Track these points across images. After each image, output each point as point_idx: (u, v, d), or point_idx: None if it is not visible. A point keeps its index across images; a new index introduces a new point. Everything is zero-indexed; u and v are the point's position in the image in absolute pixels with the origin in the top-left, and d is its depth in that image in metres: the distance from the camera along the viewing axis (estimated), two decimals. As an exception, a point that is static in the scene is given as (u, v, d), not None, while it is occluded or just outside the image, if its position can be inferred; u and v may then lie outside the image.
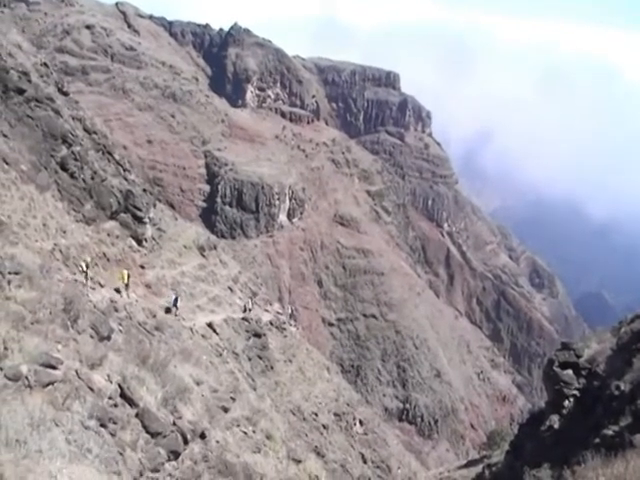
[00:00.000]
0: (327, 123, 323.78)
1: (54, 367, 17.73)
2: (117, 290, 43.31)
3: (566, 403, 27.05)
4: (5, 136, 45.10)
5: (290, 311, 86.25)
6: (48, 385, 16.80)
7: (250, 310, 64.49)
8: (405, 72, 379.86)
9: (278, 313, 76.86)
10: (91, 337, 22.52)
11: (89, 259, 41.35)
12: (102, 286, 40.43)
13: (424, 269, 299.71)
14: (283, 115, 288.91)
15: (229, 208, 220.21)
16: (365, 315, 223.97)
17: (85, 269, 39.23)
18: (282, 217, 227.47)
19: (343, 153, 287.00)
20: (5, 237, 27.65)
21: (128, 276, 44.94)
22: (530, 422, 32.70)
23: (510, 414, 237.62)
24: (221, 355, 47.76)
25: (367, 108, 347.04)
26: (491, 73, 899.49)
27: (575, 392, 26.85)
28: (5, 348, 16.99)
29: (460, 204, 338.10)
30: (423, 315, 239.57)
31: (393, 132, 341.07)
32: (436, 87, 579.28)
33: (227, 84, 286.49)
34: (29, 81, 51.01)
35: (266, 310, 72.18)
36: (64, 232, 42.82)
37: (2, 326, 18.01)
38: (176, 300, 48.96)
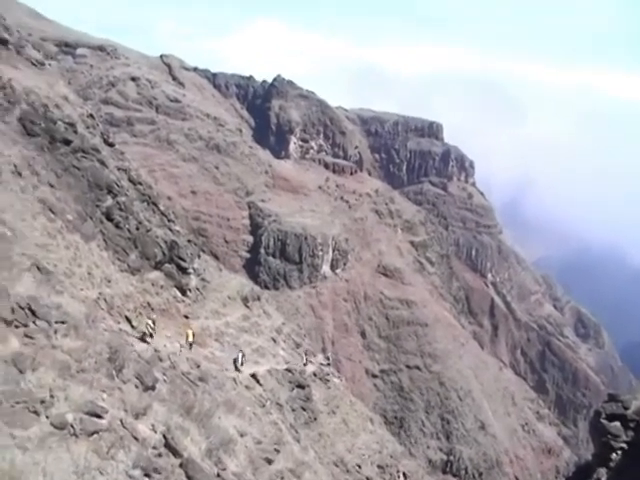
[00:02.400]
0: (370, 174, 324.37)
1: (99, 416, 17.88)
2: (181, 346, 44.19)
3: (614, 456, 26.60)
4: (52, 186, 45.73)
5: (329, 360, 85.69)
6: (93, 434, 16.92)
7: (305, 364, 65.14)
8: (446, 120, 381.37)
9: (321, 364, 76.59)
10: (136, 387, 22.64)
11: (154, 316, 42.37)
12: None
13: (468, 320, 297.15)
14: (326, 166, 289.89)
15: (272, 259, 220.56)
16: (409, 366, 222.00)
17: (152, 326, 40.42)
18: (325, 268, 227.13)
19: (386, 204, 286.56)
20: (51, 286, 27.95)
21: (193, 335, 45.87)
22: (576, 475, 32.15)
23: (556, 467, 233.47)
24: (264, 406, 47.55)
25: (410, 158, 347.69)
26: (532, 120, 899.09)
27: (623, 444, 26.42)
28: (51, 396, 17.19)
29: (504, 254, 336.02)
30: (467, 366, 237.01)
31: (436, 182, 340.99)
32: (477, 135, 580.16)
33: (271, 135, 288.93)
34: (75, 132, 51.83)
35: (310, 361, 71.94)
36: (109, 281, 43.20)
37: (49, 374, 18.21)
38: (242, 357, 49.92)
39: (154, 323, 40.96)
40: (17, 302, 22.01)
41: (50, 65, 68.79)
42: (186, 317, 51.97)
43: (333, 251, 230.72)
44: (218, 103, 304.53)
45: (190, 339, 45.50)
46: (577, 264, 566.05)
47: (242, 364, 49.89)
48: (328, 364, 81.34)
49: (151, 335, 39.89)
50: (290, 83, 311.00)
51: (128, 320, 40.25)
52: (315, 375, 68.98)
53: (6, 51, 55.95)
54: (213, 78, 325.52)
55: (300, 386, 58.77)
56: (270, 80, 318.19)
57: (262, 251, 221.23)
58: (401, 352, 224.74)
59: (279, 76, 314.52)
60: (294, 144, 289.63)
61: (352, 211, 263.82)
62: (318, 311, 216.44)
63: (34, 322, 21.81)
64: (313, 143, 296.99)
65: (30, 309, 22.30)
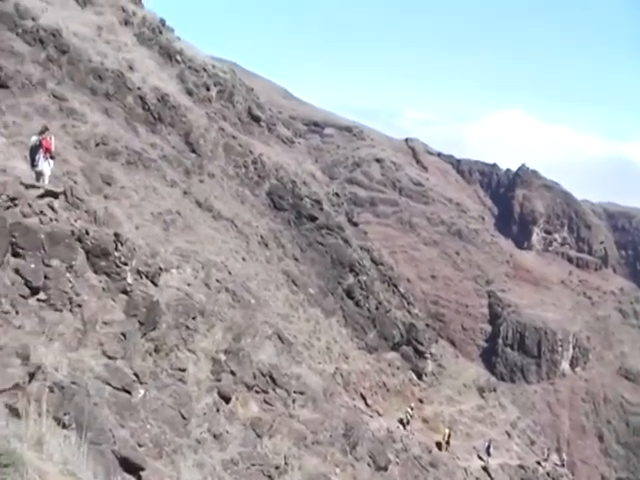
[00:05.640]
0: (615, 271, 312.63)
1: (331, 490, 17.75)
2: (438, 446, 44.51)
3: None
4: (296, 259, 47.26)
5: (563, 461, 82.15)
6: (323, 506, 16.84)
7: (546, 460, 63.61)
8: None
9: (556, 465, 73.56)
10: (368, 465, 22.57)
11: (413, 404, 43.21)
12: (380, 415, 40.63)
13: None
14: (570, 260, 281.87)
15: (510, 350, 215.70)
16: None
17: (411, 414, 41.30)
18: (564, 365, 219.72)
19: (632, 303, 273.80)
20: (291, 356, 28.43)
21: (449, 435, 46.03)
22: None
23: None
24: (495, 500, 46.16)
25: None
26: None
27: None
28: (286, 463, 17.37)
29: None
30: None
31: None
32: None
33: (513, 225, 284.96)
34: (321, 209, 53.60)
35: (544, 460, 69.35)
36: (346, 357, 43.65)
37: (284, 442, 18.41)
38: (489, 447, 49.42)
39: (412, 410, 41.61)
40: (259, 368, 22.53)
41: (299, 143, 71.91)
42: (420, 401, 51.71)
43: (574, 348, 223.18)
44: (461, 189, 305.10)
45: (446, 438, 45.43)
46: None
47: (490, 454, 49.19)
48: (562, 465, 78.03)
49: (408, 422, 40.50)
50: (534, 173, 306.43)
51: (363, 398, 40.44)
52: (548, 475, 66.21)
53: (258, 128, 59.13)
54: (457, 164, 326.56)
55: (532, 484, 56.78)
56: (514, 169, 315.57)
57: (500, 342, 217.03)
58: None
59: (524, 165, 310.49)
60: (537, 235, 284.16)
61: (595, 308, 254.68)
62: (555, 409, 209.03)
63: (274, 389, 22.27)
64: (557, 235, 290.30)
65: (271, 377, 22.77)
